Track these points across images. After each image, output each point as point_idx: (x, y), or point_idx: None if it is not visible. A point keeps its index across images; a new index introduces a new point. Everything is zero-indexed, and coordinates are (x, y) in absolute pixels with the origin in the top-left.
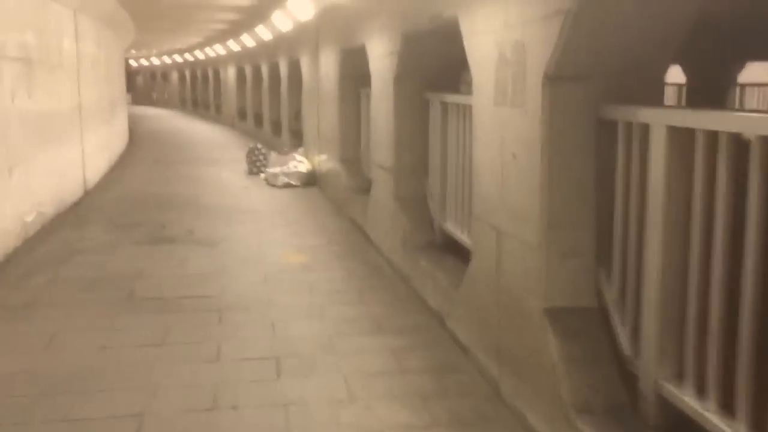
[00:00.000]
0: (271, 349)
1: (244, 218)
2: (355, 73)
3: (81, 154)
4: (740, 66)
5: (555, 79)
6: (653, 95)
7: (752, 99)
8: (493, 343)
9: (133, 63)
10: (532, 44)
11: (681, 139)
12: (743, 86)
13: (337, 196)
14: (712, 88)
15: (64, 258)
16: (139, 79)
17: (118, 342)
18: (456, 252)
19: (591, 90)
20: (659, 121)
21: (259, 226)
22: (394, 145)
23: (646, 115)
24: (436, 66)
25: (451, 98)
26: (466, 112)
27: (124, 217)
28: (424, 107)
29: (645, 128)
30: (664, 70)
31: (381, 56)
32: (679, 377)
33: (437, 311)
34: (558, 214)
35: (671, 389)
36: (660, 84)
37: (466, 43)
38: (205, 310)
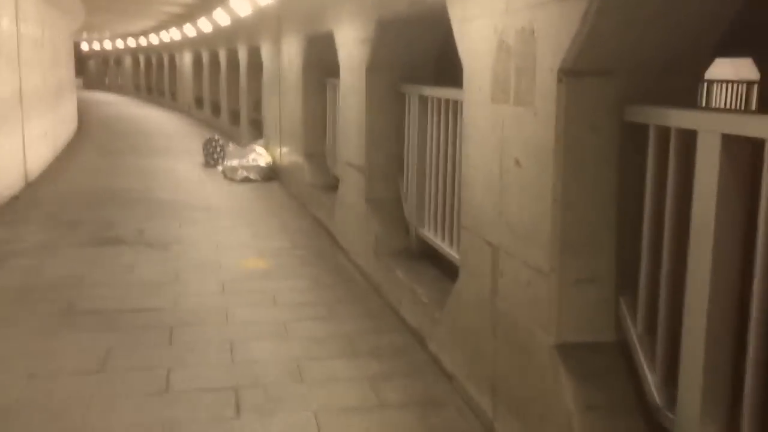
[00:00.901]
0: (229, 377)
1: (200, 216)
2: (321, 62)
3: (21, 143)
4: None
5: (573, 73)
6: (691, 95)
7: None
8: (486, 375)
9: (84, 46)
10: (544, 31)
11: (740, 150)
12: (710, 82)
13: (300, 193)
14: None
15: None
16: (91, 64)
17: (51, 368)
18: (435, 261)
19: (616, 87)
20: (712, 127)
21: (216, 226)
22: (366, 142)
23: (692, 119)
24: (414, 56)
25: (432, 92)
26: (450, 107)
27: (67, 213)
28: (400, 101)
29: (687, 135)
30: (706, 64)
31: (351, 44)
32: None
33: (417, 330)
34: (573, 235)
35: None
36: (696, 81)
37: (455, 30)
38: (153, 326)
